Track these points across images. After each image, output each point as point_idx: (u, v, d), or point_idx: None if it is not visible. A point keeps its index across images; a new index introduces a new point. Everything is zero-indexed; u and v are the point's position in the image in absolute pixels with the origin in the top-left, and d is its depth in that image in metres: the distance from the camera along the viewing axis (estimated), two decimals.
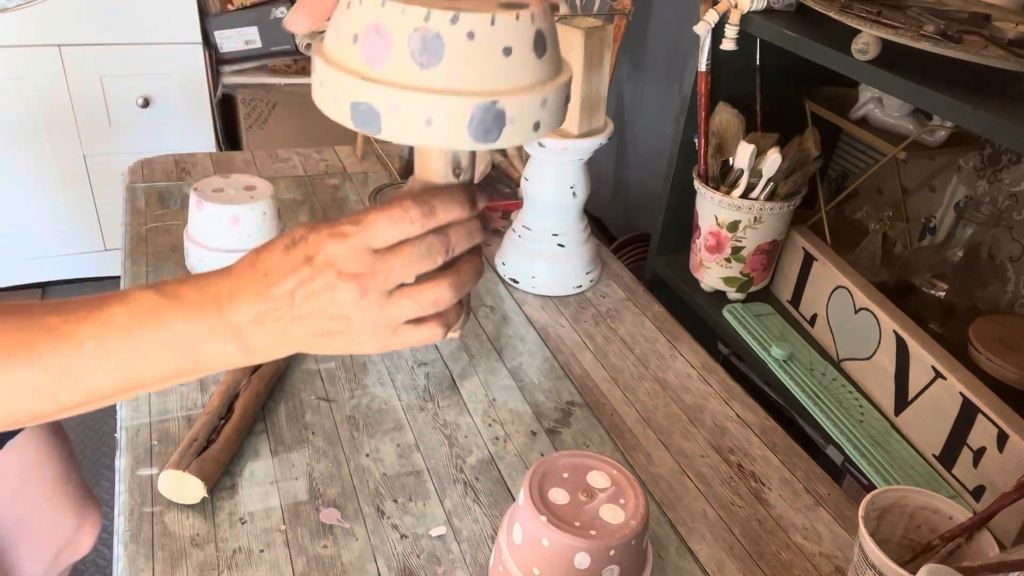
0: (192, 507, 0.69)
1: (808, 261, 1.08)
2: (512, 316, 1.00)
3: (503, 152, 1.30)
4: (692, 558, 0.69)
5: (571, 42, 0.89)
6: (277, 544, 0.67)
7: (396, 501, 0.72)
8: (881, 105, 1.08)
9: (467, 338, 0.95)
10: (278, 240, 0.46)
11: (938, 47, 0.76)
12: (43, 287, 2.32)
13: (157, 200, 1.16)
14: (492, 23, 0.40)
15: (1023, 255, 1.04)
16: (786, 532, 0.73)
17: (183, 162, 1.29)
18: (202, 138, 2.17)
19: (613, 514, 0.55)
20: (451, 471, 0.76)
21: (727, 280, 1.13)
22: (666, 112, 1.91)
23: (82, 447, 1.82)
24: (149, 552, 0.65)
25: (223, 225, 0.93)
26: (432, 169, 0.47)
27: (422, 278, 0.46)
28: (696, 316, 1.17)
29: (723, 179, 1.08)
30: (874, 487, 0.75)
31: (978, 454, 0.80)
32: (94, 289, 2.37)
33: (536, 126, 0.43)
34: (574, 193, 1.00)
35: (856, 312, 0.98)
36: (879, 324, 0.94)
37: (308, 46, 2.18)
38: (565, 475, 0.58)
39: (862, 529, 0.59)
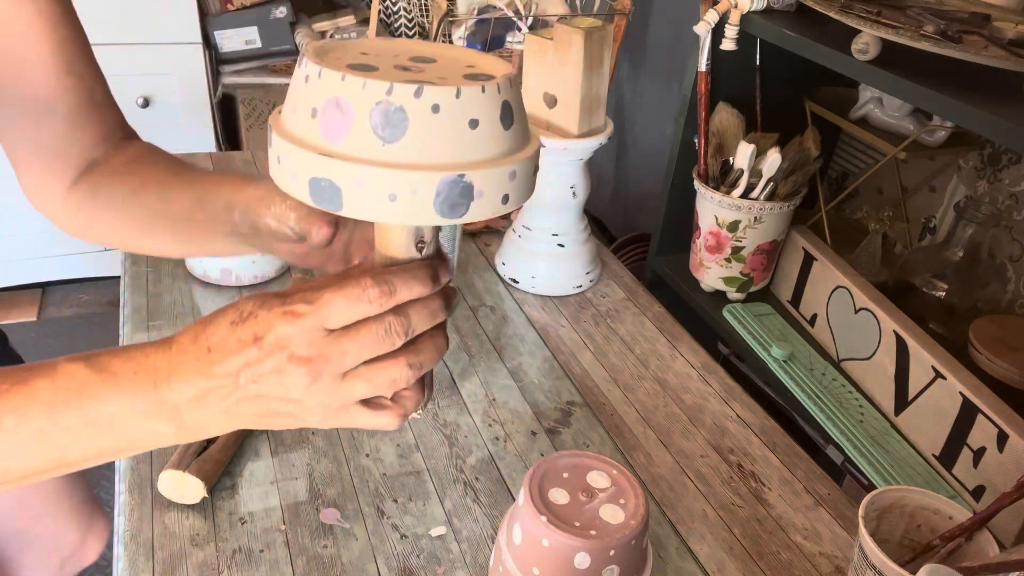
0: (192, 507, 0.69)
1: (808, 261, 1.08)
2: (512, 316, 1.00)
3: None
4: (692, 558, 0.69)
5: (571, 42, 0.90)
6: (277, 544, 0.67)
7: (396, 501, 0.72)
8: (881, 105, 1.08)
9: (467, 338, 0.95)
10: (225, 313, 0.43)
11: (938, 47, 0.76)
12: (43, 287, 2.32)
13: None
14: (457, 96, 0.39)
15: (1023, 255, 1.04)
16: (786, 532, 0.73)
17: None
18: (202, 138, 2.17)
19: (613, 514, 0.55)
20: (451, 471, 0.76)
21: (727, 280, 1.13)
22: (666, 112, 1.91)
23: None
24: (149, 552, 0.65)
25: None
26: (394, 244, 0.45)
27: (380, 356, 0.43)
28: (696, 316, 1.17)
29: (723, 179, 1.08)
30: (874, 487, 0.75)
31: (978, 454, 0.80)
32: (94, 289, 2.38)
33: (505, 199, 0.42)
34: (574, 193, 1.00)
35: (856, 312, 0.98)
36: (879, 324, 0.94)
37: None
38: (565, 475, 0.58)
39: (862, 529, 0.59)
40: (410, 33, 2.37)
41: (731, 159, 1.05)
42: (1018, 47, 0.79)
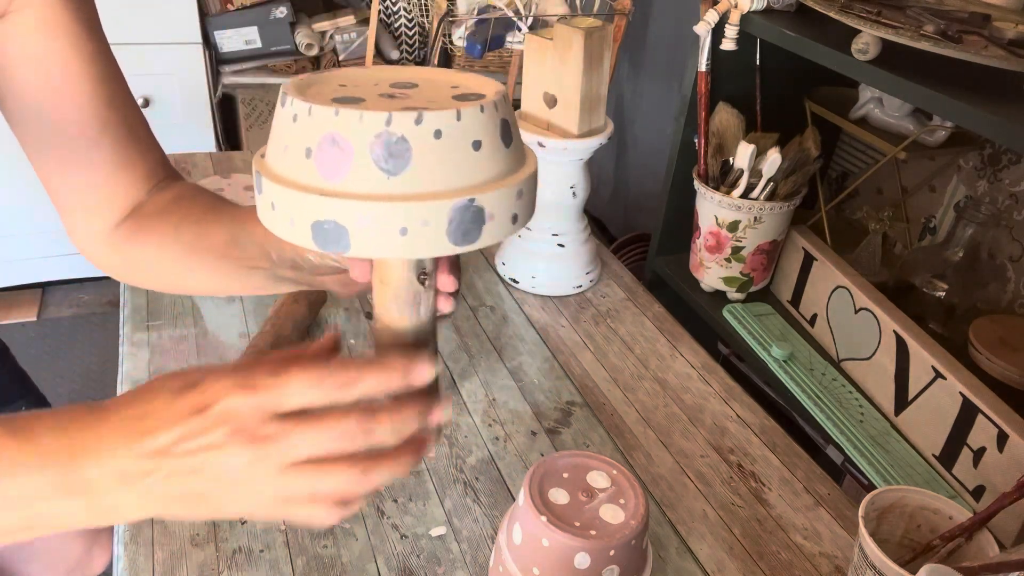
0: None
1: (808, 261, 1.08)
2: (512, 316, 1.00)
3: None
4: (692, 558, 0.69)
5: (571, 42, 0.90)
6: (277, 544, 0.67)
7: (396, 501, 0.72)
8: (881, 105, 1.08)
9: (467, 338, 0.95)
10: (171, 378, 0.39)
11: (938, 47, 0.76)
12: (43, 287, 2.32)
13: None
14: (458, 118, 0.37)
15: (1023, 255, 1.04)
16: (786, 532, 0.73)
17: (183, 162, 1.29)
18: (202, 138, 2.17)
19: (613, 514, 0.55)
20: (451, 471, 0.76)
21: (727, 280, 1.13)
22: (666, 112, 1.91)
23: None
24: (149, 552, 0.65)
25: None
26: (395, 279, 0.43)
27: (333, 456, 0.39)
28: (696, 316, 1.17)
29: (723, 179, 1.08)
30: (874, 487, 0.75)
31: (978, 454, 0.80)
32: (94, 289, 2.37)
33: (514, 219, 0.41)
34: (574, 193, 1.00)
35: (856, 312, 0.98)
36: (879, 324, 0.94)
37: (308, 46, 2.18)
38: (565, 475, 0.58)
39: (862, 529, 0.59)
40: (410, 33, 2.37)
41: (731, 159, 1.05)
42: (1018, 47, 0.79)
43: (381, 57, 2.33)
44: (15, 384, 0.89)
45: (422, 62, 2.37)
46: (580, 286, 1.06)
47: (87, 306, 2.29)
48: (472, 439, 0.80)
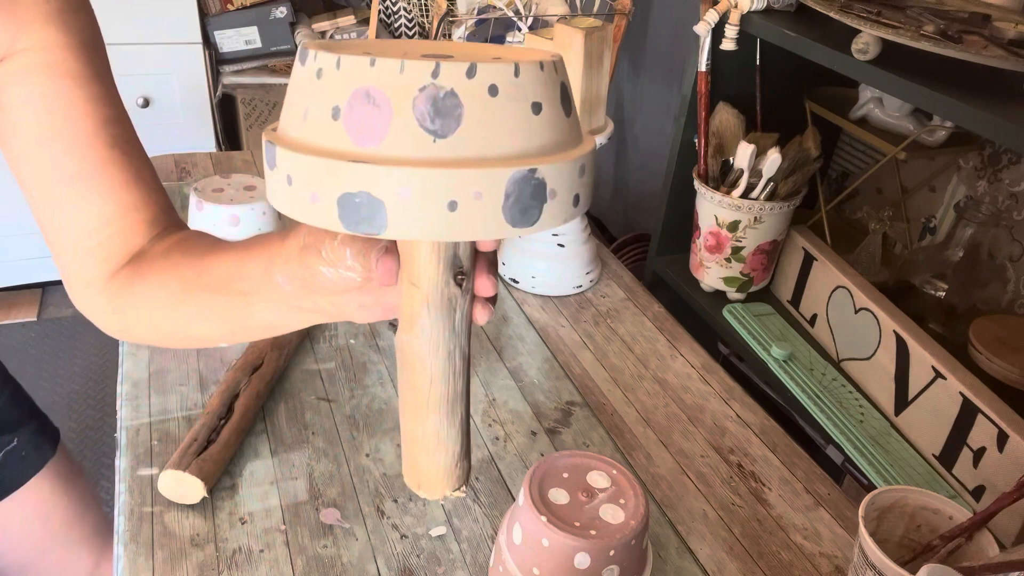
0: (192, 507, 0.69)
1: (808, 261, 1.08)
2: (512, 316, 1.00)
3: None
4: (692, 558, 0.69)
5: (571, 42, 0.89)
6: (277, 544, 0.67)
7: (396, 501, 0.72)
8: (881, 105, 1.08)
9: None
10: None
11: (938, 47, 0.76)
12: (43, 287, 2.33)
13: None
14: (516, 74, 0.32)
15: (1023, 255, 1.04)
16: (786, 532, 0.73)
17: (183, 162, 1.29)
18: (202, 138, 2.18)
19: (613, 514, 0.55)
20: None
21: (727, 280, 1.13)
22: (666, 112, 1.91)
23: (82, 447, 1.82)
24: (149, 552, 0.65)
25: (223, 225, 0.93)
26: (428, 280, 0.37)
27: None
28: (696, 316, 1.17)
29: (723, 179, 1.08)
30: (874, 487, 0.75)
31: (978, 454, 0.80)
32: None
33: (576, 200, 0.35)
34: None
35: (856, 312, 0.98)
36: (879, 324, 0.94)
37: None
38: (565, 475, 0.58)
39: (862, 529, 0.59)
40: (410, 34, 2.36)
41: (731, 159, 1.05)
42: (1018, 47, 0.79)
43: None
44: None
45: None
46: (580, 286, 1.06)
47: None
48: (472, 439, 0.80)
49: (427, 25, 2.31)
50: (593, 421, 0.84)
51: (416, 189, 0.31)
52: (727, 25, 1.04)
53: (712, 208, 1.07)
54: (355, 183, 0.31)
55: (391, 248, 0.40)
